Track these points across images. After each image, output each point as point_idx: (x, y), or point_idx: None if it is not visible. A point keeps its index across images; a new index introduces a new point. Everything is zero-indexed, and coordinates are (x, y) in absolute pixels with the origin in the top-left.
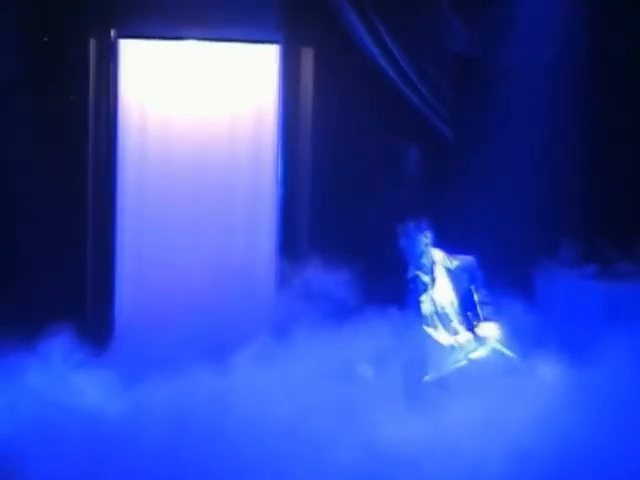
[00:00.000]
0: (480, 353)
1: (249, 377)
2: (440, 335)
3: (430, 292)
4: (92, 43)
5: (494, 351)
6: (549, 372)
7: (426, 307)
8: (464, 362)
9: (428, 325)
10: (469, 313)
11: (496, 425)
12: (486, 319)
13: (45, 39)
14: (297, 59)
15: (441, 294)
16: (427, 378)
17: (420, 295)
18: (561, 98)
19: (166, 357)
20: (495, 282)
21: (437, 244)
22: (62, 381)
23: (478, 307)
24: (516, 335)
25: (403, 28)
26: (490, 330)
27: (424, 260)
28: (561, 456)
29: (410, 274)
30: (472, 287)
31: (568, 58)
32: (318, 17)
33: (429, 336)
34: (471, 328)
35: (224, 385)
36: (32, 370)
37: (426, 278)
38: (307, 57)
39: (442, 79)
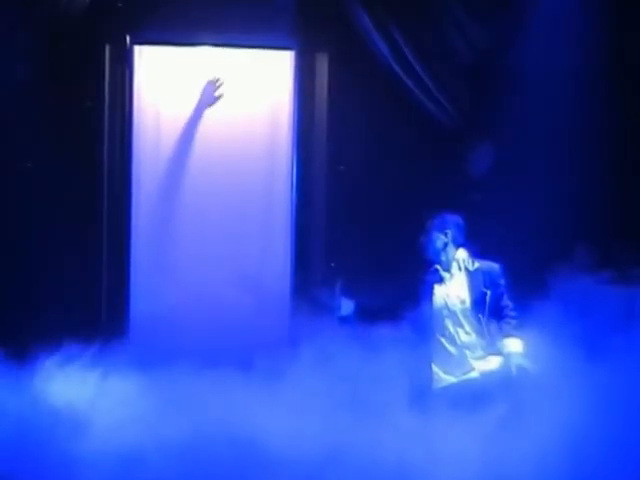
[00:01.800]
0: (489, 364)
1: (263, 389)
2: (446, 330)
3: (443, 287)
4: (107, 49)
5: (519, 367)
6: (570, 379)
7: (437, 301)
8: (474, 373)
9: (436, 320)
10: (480, 316)
11: (518, 435)
12: (510, 335)
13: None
14: (312, 65)
15: (453, 291)
16: (440, 385)
17: (434, 288)
18: (577, 102)
19: (180, 366)
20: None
21: (465, 244)
22: (74, 392)
23: (502, 322)
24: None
25: (417, 32)
26: (514, 346)
27: (443, 257)
28: (584, 466)
29: (429, 269)
30: (488, 292)
31: (585, 60)
32: (333, 23)
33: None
34: (479, 330)
35: (237, 397)
36: (44, 381)
37: (445, 274)
38: (322, 63)
39: (456, 82)
